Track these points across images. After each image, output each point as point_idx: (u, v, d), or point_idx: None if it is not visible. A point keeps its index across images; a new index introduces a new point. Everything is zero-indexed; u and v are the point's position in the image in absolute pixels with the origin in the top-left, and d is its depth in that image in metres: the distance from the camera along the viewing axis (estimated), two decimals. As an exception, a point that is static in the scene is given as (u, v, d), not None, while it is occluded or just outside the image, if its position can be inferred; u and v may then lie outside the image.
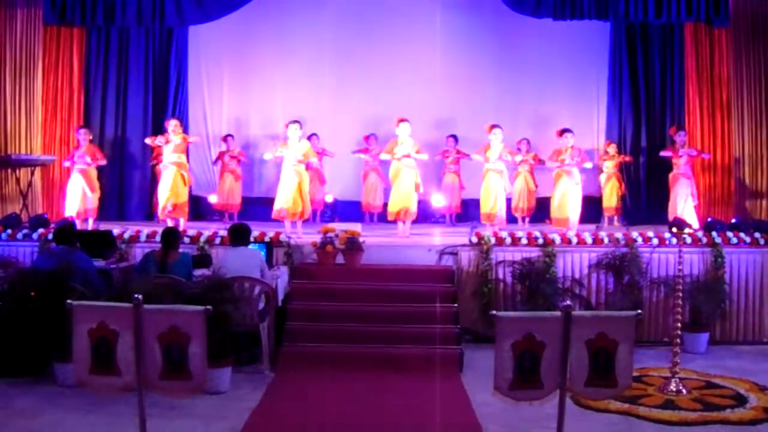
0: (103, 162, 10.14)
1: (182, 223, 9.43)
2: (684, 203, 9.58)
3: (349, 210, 11.44)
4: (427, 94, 11.45)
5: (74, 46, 11.10)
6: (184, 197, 9.60)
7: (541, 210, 10.90)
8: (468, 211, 11.06)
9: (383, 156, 9.66)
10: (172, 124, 9.64)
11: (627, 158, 11.07)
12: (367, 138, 11.17)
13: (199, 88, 11.86)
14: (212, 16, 10.66)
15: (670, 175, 9.92)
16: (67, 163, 10.00)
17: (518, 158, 10.50)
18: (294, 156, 9.08)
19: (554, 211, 9.37)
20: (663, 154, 10.15)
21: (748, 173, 9.48)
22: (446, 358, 6.51)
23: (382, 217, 10.73)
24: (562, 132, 9.55)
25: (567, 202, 9.14)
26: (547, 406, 3.76)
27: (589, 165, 9.89)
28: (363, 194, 11.18)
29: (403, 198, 9.11)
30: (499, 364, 3.56)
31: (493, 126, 9.64)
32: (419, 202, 9.54)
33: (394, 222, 9.40)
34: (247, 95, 11.91)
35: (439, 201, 11.07)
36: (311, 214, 10.01)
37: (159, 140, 9.76)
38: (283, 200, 9.04)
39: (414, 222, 9.48)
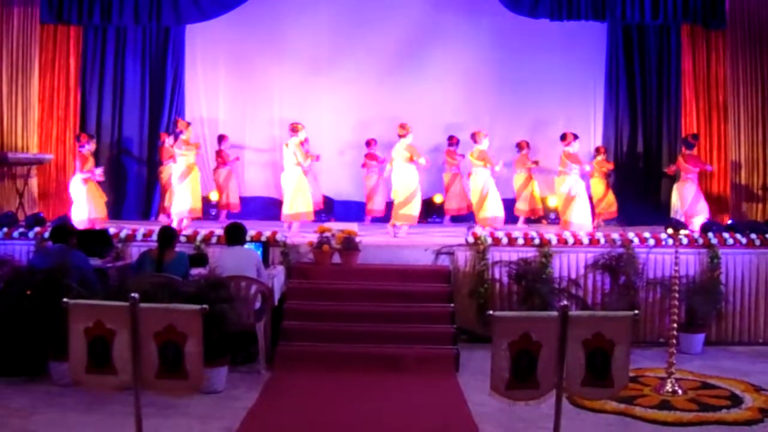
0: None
1: (186, 223, 9.55)
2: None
3: (346, 210, 11.43)
4: (424, 95, 11.46)
5: (71, 45, 11.06)
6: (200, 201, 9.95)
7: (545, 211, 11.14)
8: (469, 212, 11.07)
9: (422, 161, 9.37)
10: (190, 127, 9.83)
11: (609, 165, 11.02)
12: (373, 142, 11.11)
13: (196, 87, 11.85)
14: (209, 15, 10.68)
15: (694, 186, 9.56)
16: (85, 175, 9.70)
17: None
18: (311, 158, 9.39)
19: (571, 215, 9.27)
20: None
21: (745, 175, 9.50)
22: (442, 358, 6.52)
23: (383, 220, 10.75)
24: (575, 137, 9.52)
25: (585, 207, 9.26)
26: (543, 406, 3.77)
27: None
28: (366, 198, 11.14)
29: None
30: (495, 364, 3.56)
31: (484, 134, 9.67)
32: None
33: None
34: (244, 94, 11.90)
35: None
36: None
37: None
38: (307, 202, 9.23)
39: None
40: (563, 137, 9.70)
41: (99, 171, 9.67)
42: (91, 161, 9.72)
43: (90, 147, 9.79)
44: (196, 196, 9.72)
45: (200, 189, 9.94)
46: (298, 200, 9.16)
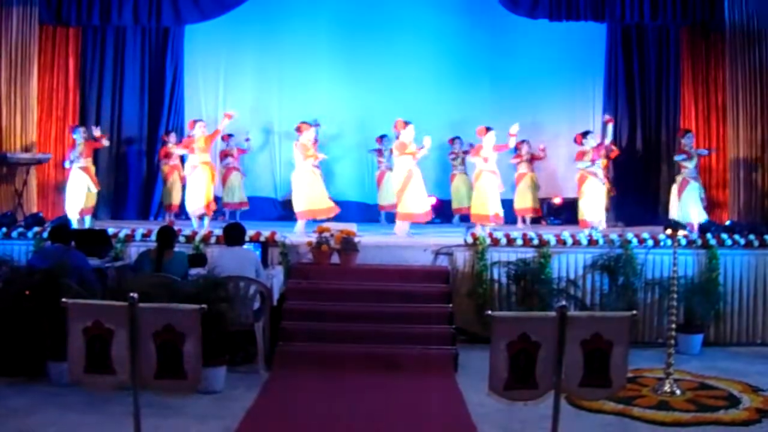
0: (106, 143, 10.23)
1: (206, 222, 9.48)
2: (695, 207, 9.38)
3: (346, 210, 11.42)
4: (423, 95, 11.47)
5: (70, 45, 11.08)
6: (211, 196, 9.72)
7: (543, 211, 11.23)
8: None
9: (405, 153, 9.28)
10: (199, 126, 9.65)
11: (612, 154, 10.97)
12: (380, 139, 11.15)
13: (195, 87, 11.85)
14: (209, 15, 10.66)
15: (679, 179, 9.63)
16: (67, 164, 9.91)
17: (511, 141, 9.94)
18: (313, 156, 9.34)
19: (582, 213, 9.32)
20: (678, 158, 9.98)
21: (743, 175, 9.50)
22: (441, 359, 6.52)
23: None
24: (584, 135, 9.55)
25: (594, 203, 9.18)
26: (541, 406, 3.77)
27: (610, 134, 9.88)
28: (378, 196, 11.17)
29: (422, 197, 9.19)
30: (493, 365, 3.56)
31: (487, 129, 9.60)
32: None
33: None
34: (244, 95, 11.90)
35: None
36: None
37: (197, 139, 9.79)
38: (321, 201, 9.28)
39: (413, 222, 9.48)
40: (576, 141, 9.76)
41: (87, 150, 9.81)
42: (81, 145, 9.76)
43: (82, 134, 9.84)
44: (206, 193, 9.55)
45: (210, 186, 9.70)
46: (307, 198, 9.24)
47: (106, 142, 10.26)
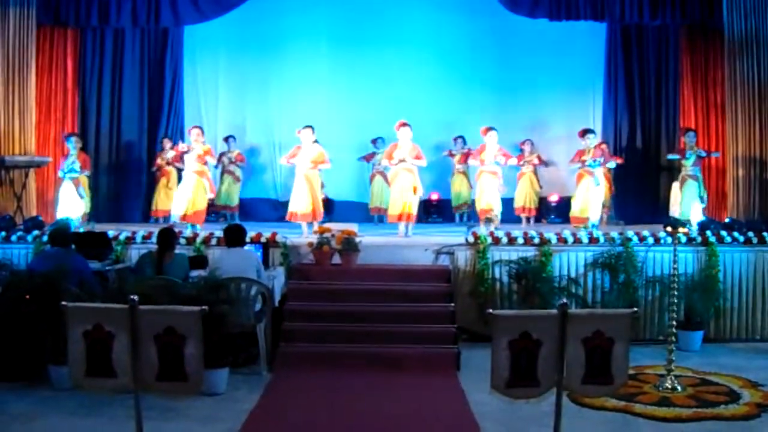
0: (87, 172, 9.97)
1: (199, 230, 9.38)
2: (690, 205, 9.33)
3: (346, 210, 11.43)
4: (423, 96, 11.49)
5: (68, 47, 11.07)
6: (202, 205, 9.53)
7: (543, 210, 11.27)
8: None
9: (383, 162, 9.68)
10: (194, 133, 9.56)
11: (618, 159, 11.00)
12: (374, 141, 11.17)
13: (195, 89, 11.85)
14: (208, 16, 10.65)
15: (680, 177, 9.77)
16: (61, 173, 9.88)
17: (512, 161, 10.07)
18: (307, 159, 9.19)
19: (574, 211, 9.42)
20: (670, 157, 10.05)
21: (742, 173, 9.52)
22: (443, 358, 6.52)
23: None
24: (584, 133, 9.56)
25: (588, 202, 9.19)
26: (543, 404, 3.77)
27: (612, 164, 9.91)
28: (370, 197, 11.19)
29: (399, 200, 9.05)
30: (495, 363, 3.56)
31: (488, 129, 9.57)
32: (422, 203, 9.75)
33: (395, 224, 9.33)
34: (243, 96, 11.91)
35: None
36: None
37: (182, 146, 9.74)
38: (298, 203, 9.15)
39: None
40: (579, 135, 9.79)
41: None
42: (73, 155, 9.71)
43: (76, 144, 9.80)
44: (190, 201, 9.37)
45: (200, 195, 9.49)
46: (292, 200, 9.24)
47: (86, 172, 10.03)
